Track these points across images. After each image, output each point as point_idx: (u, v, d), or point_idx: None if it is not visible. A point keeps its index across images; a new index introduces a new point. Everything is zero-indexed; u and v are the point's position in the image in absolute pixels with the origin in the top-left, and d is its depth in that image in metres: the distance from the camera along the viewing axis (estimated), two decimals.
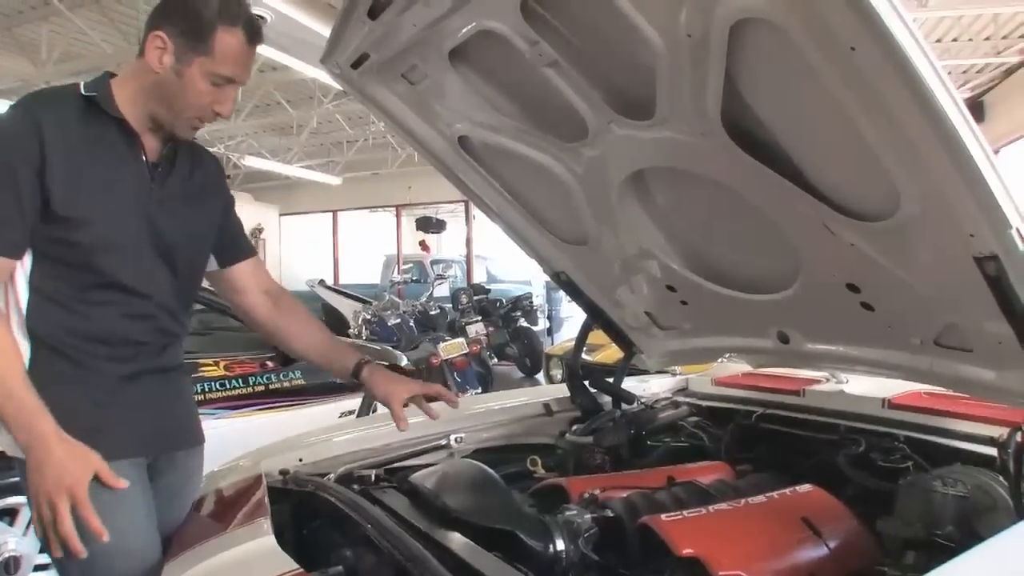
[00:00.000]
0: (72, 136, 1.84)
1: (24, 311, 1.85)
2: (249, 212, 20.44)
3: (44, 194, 1.79)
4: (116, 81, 1.95)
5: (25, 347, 1.85)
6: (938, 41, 10.80)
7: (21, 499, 3.07)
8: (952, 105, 1.29)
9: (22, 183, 1.77)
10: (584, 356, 2.95)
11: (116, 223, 1.90)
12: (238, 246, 2.27)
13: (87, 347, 1.88)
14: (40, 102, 1.87)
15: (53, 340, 1.85)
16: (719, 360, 2.97)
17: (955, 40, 10.97)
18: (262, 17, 8.22)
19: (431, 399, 2.24)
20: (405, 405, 2.18)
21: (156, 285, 2.00)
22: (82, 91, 1.89)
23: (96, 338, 1.90)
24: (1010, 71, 11.97)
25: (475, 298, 12.50)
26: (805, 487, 2.04)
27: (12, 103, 1.91)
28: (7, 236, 1.79)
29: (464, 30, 1.91)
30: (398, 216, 22.11)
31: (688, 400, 3.02)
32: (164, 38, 1.86)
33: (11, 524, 3.55)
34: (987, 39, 10.85)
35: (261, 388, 5.55)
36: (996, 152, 11.76)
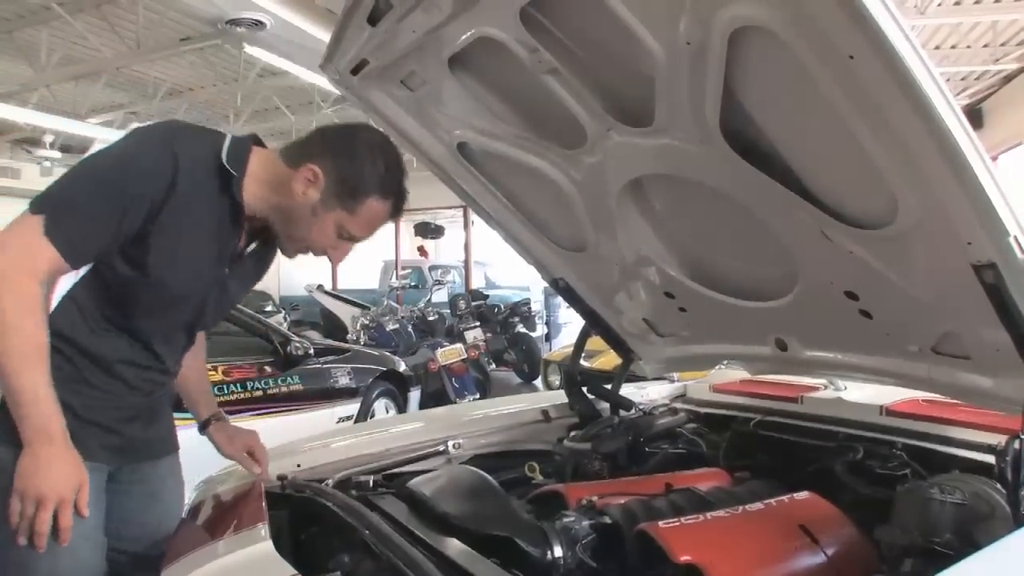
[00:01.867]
0: (195, 197, 1.81)
1: (53, 303, 1.82)
2: None
3: (139, 231, 1.77)
4: (255, 160, 1.91)
5: None
6: (936, 48, 10.82)
7: None
8: (950, 113, 1.30)
9: (128, 215, 1.74)
10: (582, 362, 2.95)
11: (179, 291, 1.90)
12: None
13: (86, 364, 1.86)
14: (188, 144, 1.83)
15: (61, 341, 1.82)
16: (717, 367, 2.97)
17: (953, 47, 10.99)
18: (261, 22, 8.31)
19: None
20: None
21: (171, 348, 2.02)
22: (224, 159, 1.85)
23: (96, 362, 1.87)
24: (1008, 78, 11.99)
25: (473, 304, 12.48)
26: (803, 494, 2.04)
27: (152, 124, 1.88)
28: (82, 248, 1.76)
29: (463, 37, 1.91)
30: (396, 221, 22.07)
31: (686, 407, 3.02)
32: (318, 175, 1.85)
33: None
34: (985, 46, 10.87)
35: (259, 393, 5.56)
36: (994, 159, 11.81)
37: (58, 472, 1.65)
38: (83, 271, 1.83)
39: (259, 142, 1.98)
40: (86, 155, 1.89)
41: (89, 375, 1.87)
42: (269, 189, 1.91)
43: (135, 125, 1.98)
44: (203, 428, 2.30)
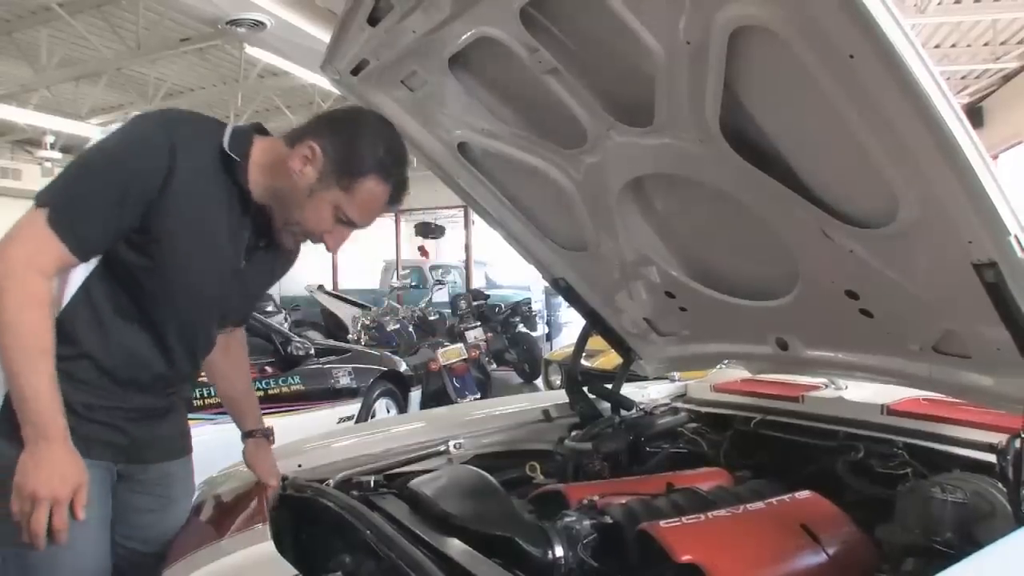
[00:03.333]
0: (197, 185, 1.79)
1: (64, 304, 1.80)
2: None
3: (143, 223, 1.75)
4: (258, 147, 1.89)
5: None
6: (937, 47, 10.81)
7: None
8: (950, 112, 1.30)
9: (128, 203, 1.72)
10: (583, 362, 2.95)
11: (191, 283, 1.88)
12: (246, 318, 2.34)
13: (93, 364, 1.84)
14: (185, 132, 1.80)
15: (72, 341, 1.80)
16: (718, 366, 2.97)
17: (954, 46, 10.98)
18: (261, 23, 8.30)
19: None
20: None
21: (186, 347, 1.98)
22: (226, 146, 1.83)
23: (105, 367, 1.85)
24: (1008, 77, 11.98)
25: (474, 304, 12.49)
26: (804, 493, 2.04)
27: (150, 111, 1.86)
28: (87, 240, 1.74)
29: (464, 37, 1.91)
30: (397, 221, 22.05)
31: (687, 406, 3.02)
32: (316, 152, 1.82)
33: None
34: (985, 45, 10.86)
35: (260, 393, 5.51)
36: (995, 157, 11.81)
37: (55, 472, 1.64)
38: (95, 262, 1.81)
39: (263, 131, 1.96)
40: (87, 145, 1.87)
41: (96, 375, 1.85)
42: (269, 173, 1.87)
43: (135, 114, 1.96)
44: (244, 437, 2.28)
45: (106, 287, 1.83)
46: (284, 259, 2.14)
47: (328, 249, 1.94)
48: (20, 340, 1.65)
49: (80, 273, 1.81)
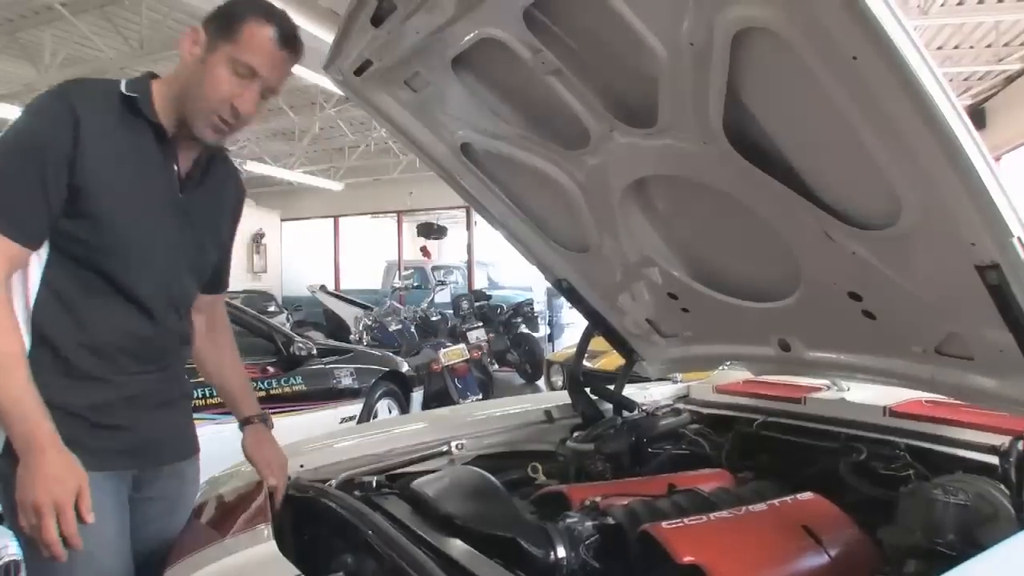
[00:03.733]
0: (108, 132, 1.81)
1: (32, 304, 1.81)
2: (251, 217, 20.40)
3: (71, 187, 1.76)
4: (156, 84, 1.92)
5: (26, 339, 1.80)
6: (939, 48, 10.82)
7: None
8: (953, 114, 1.30)
9: (50, 171, 1.73)
10: (585, 363, 2.95)
11: (138, 227, 1.86)
12: (221, 280, 2.27)
13: (82, 353, 1.84)
14: (80, 91, 1.82)
15: (52, 339, 1.81)
16: (720, 367, 2.97)
17: (957, 47, 10.98)
18: None
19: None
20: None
21: (160, 297, 1.95)
22: (123, 90, 1.86)
23: (91, 347, 1.85)
24: (1011, 78, 11.98)
25: (476, 304, 12.52)
26: (806, 495, 2.04)
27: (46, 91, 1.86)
28: (26, 223, 1.74)
29: (467, 38, 1.91)
30: (399, 222, 22.10)
31: (689, 407, 3.02)
32: (198, 29, 1.86)
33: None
34: (988, 46, 10.86)
35: (262, 393, 5.56)
36: (998, 159, 11.77)
37: (50, 478, 1.63)
38: (45, 253, 1.81)
39: (156, 77, 1.97)
40: None
41: (91, 367, 1.84)
42: (168, 89, 1.90)
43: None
44: (242, 426, 2.24)
45: (65, 271, 1.82)
46: (227, 190, 2.14)
47: (243, 110, 1.87)
48: None
49: (36, 271, 1.81)
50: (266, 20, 1.84)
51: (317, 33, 8.28)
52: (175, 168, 1.94)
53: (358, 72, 2.16)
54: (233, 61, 1.83)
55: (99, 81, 1.91)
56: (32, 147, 1.74)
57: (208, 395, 4.53)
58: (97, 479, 1.76)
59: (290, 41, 1.88)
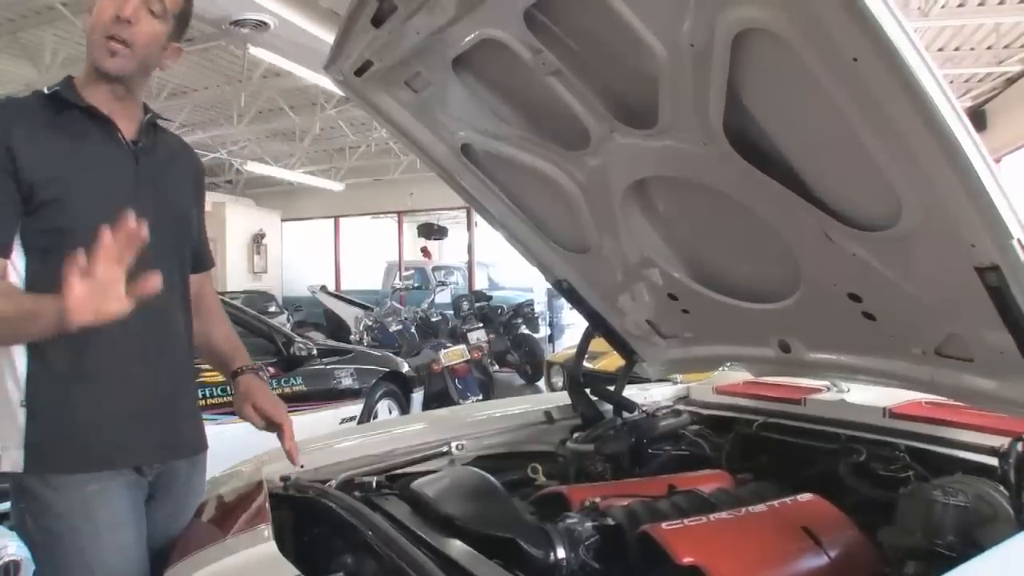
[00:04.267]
0: (40, 127, 1.86)
1: None
2: (251, 217, 20.45)
3: (23, 186, 1.79)
4: (78, 76, 1.99)
5: (22, 351, 1.84)
6: (940, 50, 10.82)
7: None
8: (953, 115, 1.30)
9: None
10: (585, 363, 2.95)
11: (103, 200, 1.85)
12: (202, 256, 2.28)
13: (80, 347, 1.83)
14: (3, 104, 1.93)
15: (51, 346, 1.81)
16: (720, 368, 2.97)
17: (957, 49, 10.99)
18: (265, 23, 8.31)
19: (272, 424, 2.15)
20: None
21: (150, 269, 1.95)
22: (45, 91, 1.93)
23: (86, 338, 1.76)
24: (1012, 80, 11.99)
25: (476, 305, 12.54)
26: (806, 496, 2.04)
27: None
28: None
29: (468, 38, 1.91)
30: (400, 222, 22.11)
31: (689, 408, 3.02)
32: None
33: (11, 528, 3.55)
34: (989, 48, 10.87)
35: None
36: (998, 161, 11.77)
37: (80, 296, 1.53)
38: (21, 265, 1.83)
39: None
40: None
41: (90, 363, 1.86)
42: (85, 66, 1.97)
43: None
44: (232, 378, 2.21)
45: (45, 271, 1.81)
46: (184, 160, 2.20)
47: (125, 15, 1.87)
48: None
49: (16, 282, 1.83)
50: None
51: (317, 33, 8.31)
52: (121, 139, 1.97)
53: (359, 72, 2.16)
54: None
55: (21, 97, 1.99)
56: None
57: (208, 395, 4.54)
58: (115, 487, 1.84)
59: None
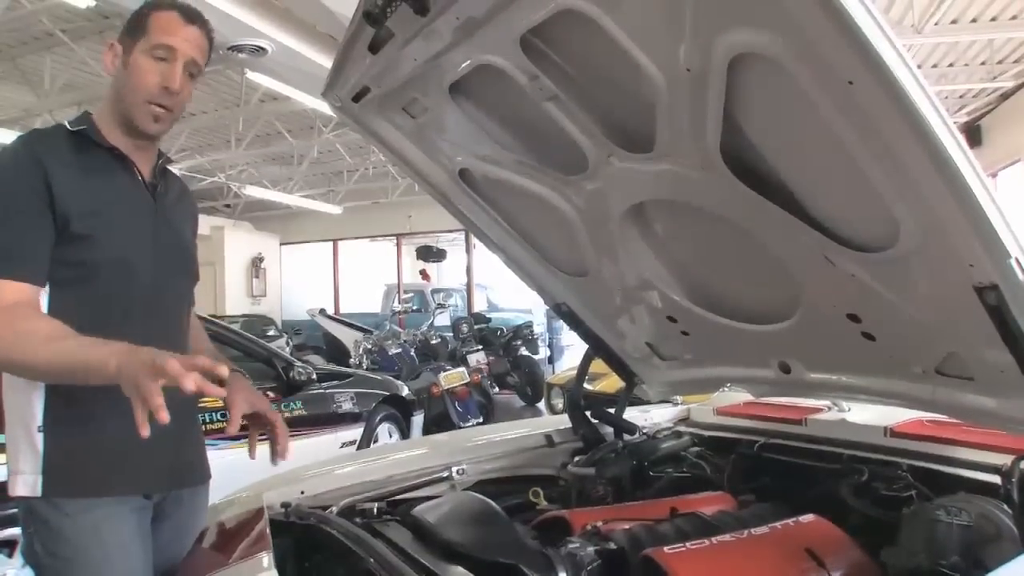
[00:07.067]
0: (71, 164, 1.92)
1: None
2: (250, 241, 20.48)
3: (58, 219, 1.85)
4: (96, 113, 2.04)
5: (41, 392, 1.88)
6: (934, 67, 10.90)
7: (18, 531, 3.10)
8: (949, 137, 1.30)
9: (35, 211, 1.83)
10: (585, 385, 2.94)
11: (131, 236, 1.97)
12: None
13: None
14: (35, 138, 1.97)
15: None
16: (720, 390, 2.97)
17: (951, 65, 11.07)
18: (262, 48, 8.36)
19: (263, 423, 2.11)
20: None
21: (164, 305, 2.06)
22: (68, 126, 1.99)
23: None
24: (1006, 95, 12.08)
25: (476, 327, 12.52)
26: (808, 517, 2.03)
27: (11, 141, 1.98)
28: (30, 263, 1.83)
29: (464, 64, 1.92)
30: (398, 245, 22.16)
31: (690, 430, 3.01)
32: (114, 44, 2.01)
33: (10, 556, 3.54)
34: (982, 64, 10.95)
35: None
36: (993, 176, 11.87)
37: (137, 355, 1.58)
38: (45, 298, 1.87)
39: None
40: None
41: (106, 395, 1.85)
42: (106, 108, 2.03)
43: None
44: None
45: (67, 302, 1.88)
46: (187, 198, 2.29)
47: (172, 87, 1.97)
48: (22, 346, 1.71)
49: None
50: (167, 7, 1.99)
51: (315, 58, 8.36)
52: (140, 179, 2.05)
53: (356, 99, 2.18)
54: (151, 49, 1.95)
55: (46, 128, 2.08)
56: (13, 196, 1.85)
57: (207, 420, 4.53)
58: (123, 512, 1.87)
59: (194, 16, 2.02)
